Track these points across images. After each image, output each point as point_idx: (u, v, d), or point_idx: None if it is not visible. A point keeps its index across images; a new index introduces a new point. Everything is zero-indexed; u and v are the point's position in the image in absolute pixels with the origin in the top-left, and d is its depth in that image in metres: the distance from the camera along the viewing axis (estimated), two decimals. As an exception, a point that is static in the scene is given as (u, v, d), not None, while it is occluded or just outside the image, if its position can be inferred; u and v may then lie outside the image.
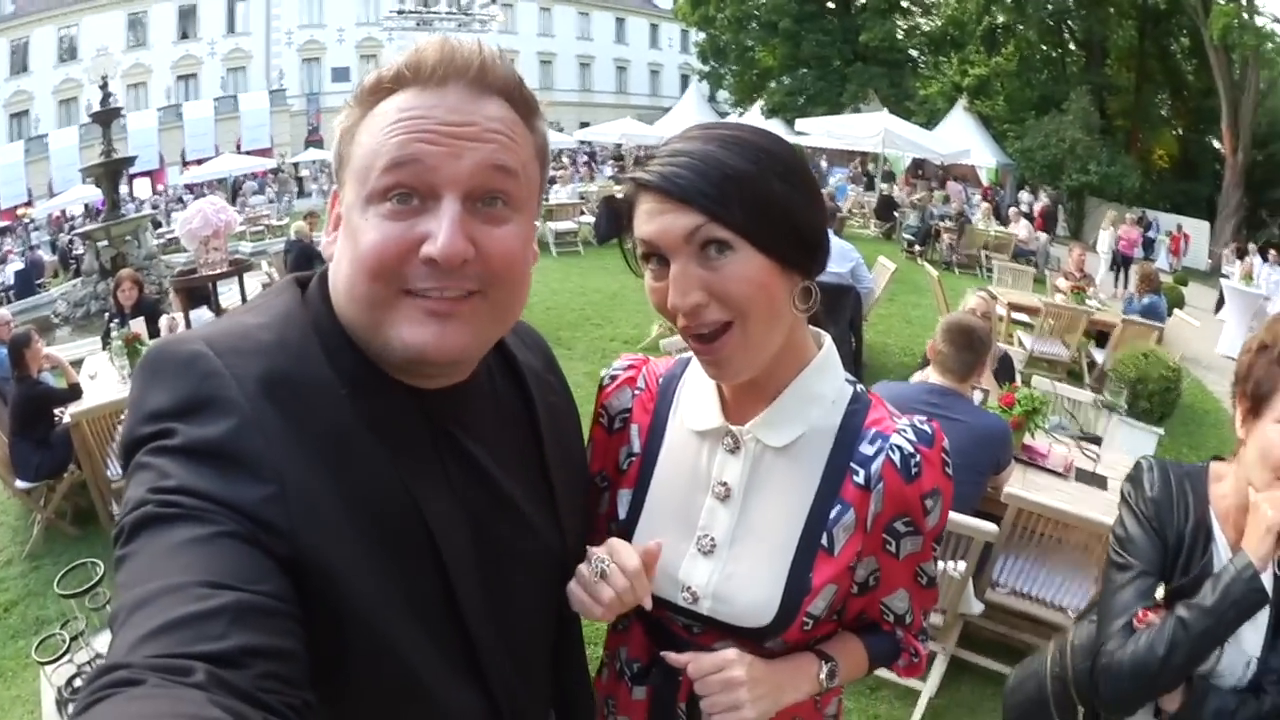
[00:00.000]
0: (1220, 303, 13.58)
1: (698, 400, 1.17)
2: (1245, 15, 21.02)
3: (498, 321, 0.90)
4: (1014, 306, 8.95)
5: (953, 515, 2.90)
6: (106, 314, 8.63)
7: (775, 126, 24.52)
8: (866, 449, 1.09)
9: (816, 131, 21.85)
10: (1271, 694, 1.50)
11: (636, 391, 1.25)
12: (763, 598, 1.09)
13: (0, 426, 5.00)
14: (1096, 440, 4.33)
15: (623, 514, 1.19)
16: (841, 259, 6.02)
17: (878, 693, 3.44)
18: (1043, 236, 16.97)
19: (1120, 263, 15.84)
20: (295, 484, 0.75)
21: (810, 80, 31.73)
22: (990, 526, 2.98)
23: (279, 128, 36.36)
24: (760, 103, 31.13)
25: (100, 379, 5.60)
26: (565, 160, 28.12)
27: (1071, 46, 29.25)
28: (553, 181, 15.94)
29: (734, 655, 1.08)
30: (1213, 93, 23.84)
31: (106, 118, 12.53)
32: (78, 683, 2.00)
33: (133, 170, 20.98)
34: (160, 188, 31.36)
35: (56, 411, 5.01)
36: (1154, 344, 7.37)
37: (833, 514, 1.09)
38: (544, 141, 0.94)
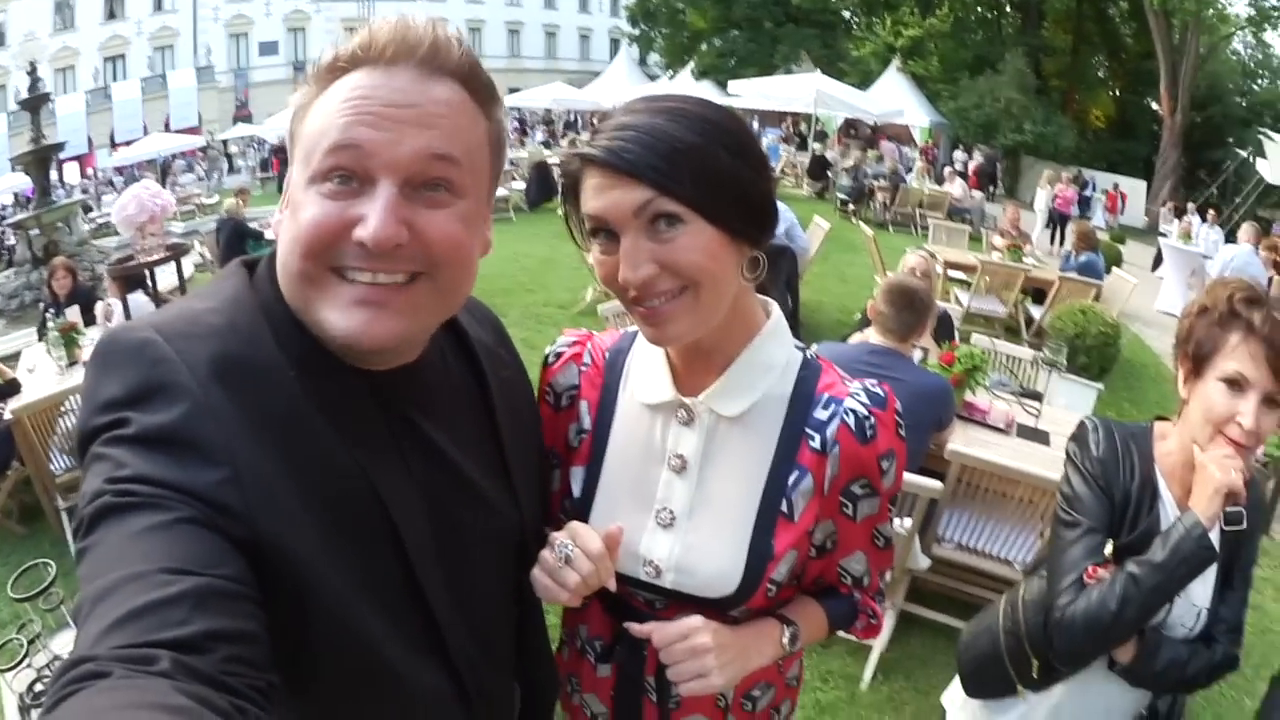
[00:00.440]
0: (1158, 260, 13.93)
1: (648, 373, 1.17)
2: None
3: (441, 306, 0.90)
4: (950, 264, 9.06)
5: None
6: (41, 304, 8.38)
7: (706, 89, 24.51)
8: (820, 414, 1.10)
9: (749, 93, 21.84)
10: (1223, 643, 1.58)
11: (583, 367, 1.24)
12: (726, 567, 1.11)
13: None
14: (1037, 396, 4.43)
15: (577, 491, 1.19)
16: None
17: (830, 649, 3.53)
18: (977, 195, 17.21)
19: (1056, 220, 16.15)
20: (249, 467, 0.75)
21: (741, 42, 31.56)
22: (935, 483, 3.05)
23: (207, 105, 35.38)
24: (691, 65, 30.96)
25: (39, 371, 5.44)
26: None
27: (1007, 8, 29.49)
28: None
29: (699, 622, 1.08)
30: (1151, 56, 24.14)
31: (35, 104, 12.09)
32: (39, 688, 1.97)
33: (62, 155, 20.28)
34: (90, 171, 30.32)
35: (-5, 407, 4.86)
36: (1092, 301, 7.55)
37: (791, 480, 1.10)
38: (500, 128, 0.93)
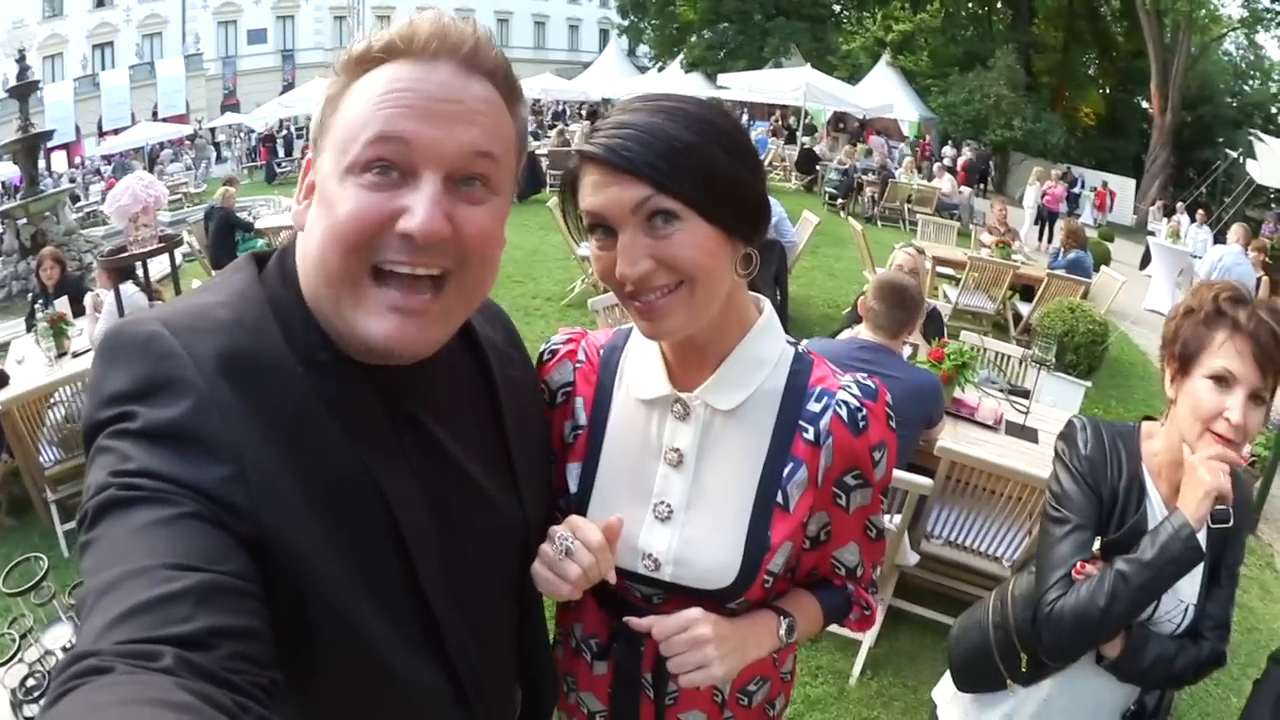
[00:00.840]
0: (1146, 258, 13.99)
1: (643, 369, 1.19)
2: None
3: (465, 304, 0.90)
4: (939, 260, 9.08)
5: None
6: (30, 294, 8.34)
7: (696, 81, 24.47)
8: (813, 406, 1.12)
9: (737, 86, 21.89)
10: (1210, 640, 1.60)
11: (578, 365, 1.25)
12: (724, 558, 1.12)
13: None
14: (1025, 394, 4.45)
15: (574, 487, 1.20)
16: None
17: (819, 644, 3.55)
18: (966, 190, 17.23)
19: (1045, 218, 16.21)
20: (254, 463, 0.75)
21: (731, 34, 31.55)
22: (924, 480, 3.07)
23: (195, 93, 35.15)
24: (680, 57, 30.90)
25: (28, 363, 5.42)
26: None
27: (998, 4, 29.53)
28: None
29: (699, 614, 1.09)
30: (1142, 54, 24.26)
31: (24, 92, 12.04)
32: (31, 682, 1.96)
33: (50, 144, 20.13)
34: (78, 160, 30.12)
35: (-17, 399, 4.84)
36: (1080, 299, 7.58)
37: (785, 472, 1.12)
38: (524, 128, 0.94)
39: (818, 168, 18.10)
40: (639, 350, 1.22)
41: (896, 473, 3.00)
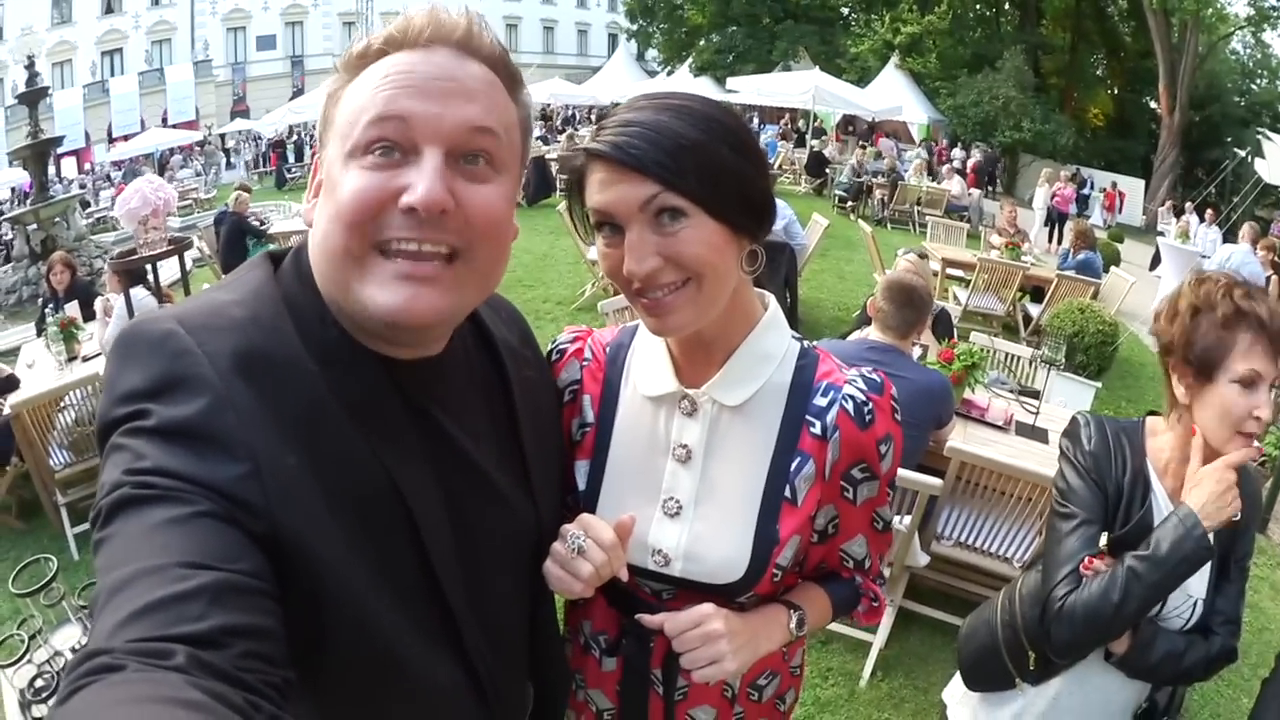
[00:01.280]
0: (1156, 259, 13.94)
1: (650, 366, 1.19)
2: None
3: (478, 286, 0.90)
4: (948, 262, 9.09)
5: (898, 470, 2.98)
6: (40, 299, 8.39)
7: (705, 85, 24.49)
8: (820, 401, 1.13)
9: (747, 90, 21.89)
10: (1221, 635, 1.59)
11: (584, 363, 1.26)
12: (733, 553, 1.12)
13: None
14: (1035, 394, 4.43)
15: (582, 485, 1.20)
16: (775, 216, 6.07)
17: (829, 645, 3.55)
18: (975, 192, 17.17)
19: (1055, 219, 16.16)
20: (269, 461, 0.75)
21: (740, 38, 31.48)
22: (934, 480, 3.06)
23: (204, 99, 35.39)
24: (689, 61, 31.03)
25: (38, 367, 5.45)
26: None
27: (1006, 6, 29.48)
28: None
29: (710, 609, 1.09)
30: (1150, 54, 24.15)
31: (33, 98, 12.13)
32: (39, 683, 1.97)
33: (60, 150, 20.27)
34: (87, 166, 30.33)
35: (-5, 403, 4.87)
36: (1090, 300, 7.55)
37: (793, 466, 1.12)
38: (527, 114, 0.95)
39: (827, 171, 18.09)
40: (645, 347, 1.22)
41: (906, 473, 3.01)
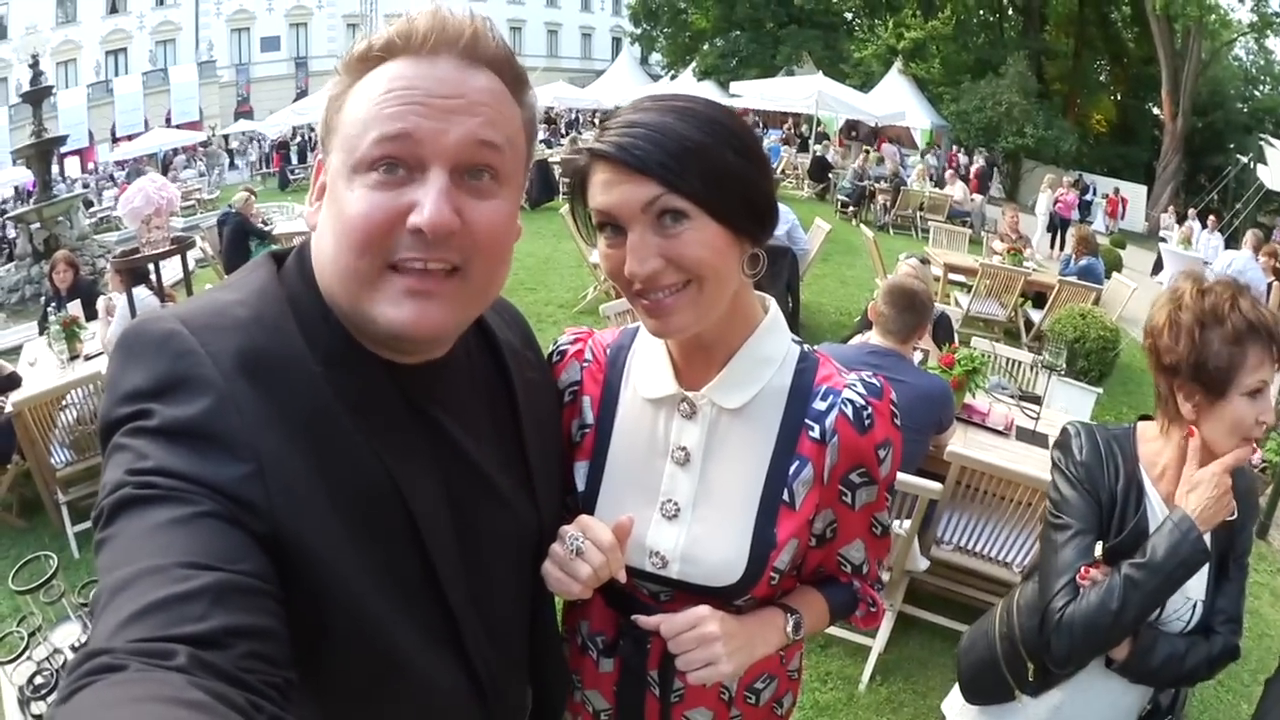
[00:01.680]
0: (1158, 265, 13.94)
1: (650, 368, 1.19)
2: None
3: (477, 298, 0.90)
4: (950, 267, 9.09)
5: (898, 474, 2.97)
6: (43, 298, 8.39)
7: (708, 89, 24.48)
8: (819, 405, 1.12)
9: (750, 94, 21.91)
10: (1223, 634, 1.59)
11: (585, 364, 1.26)
12: (731, 556, 1.12)
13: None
14: (1036, 400, 4.43)
15: (581, 486, 1.20)
16: (778, 221, 6.08)
17: (828, 650, 3.54)
18: (978, 198, 17.15)
19: (1058, 225, 16.15)
20: (272, 462, 0.75)
21: (743, 43, 31.47)
22: (934, 485, 3.06)
23: (208, 100, 35.40)
24: (693, 65, 31.02)
25: (40, 365, 5.45)
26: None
27: (1010, 12, 29.47)
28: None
29: (706, 611, 1.09)
30: (1153, 60, 24.10)
31: (37, 97, 12.13)
32: (39, 680, 1.97)
33: (63, 149, 20.31)
34: (91, 165, 30.36)
35: (-4, 400, 4.87)
36: (1092, 305, 7.54)
37: (791, 470, 1.12)
38: (532, 115, 0.94)
39: (830, 176, 18.08)
40: (645, 349, 1.22)
41: (906, 478, 3.01)
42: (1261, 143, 19.31)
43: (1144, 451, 1.66)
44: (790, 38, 30.30)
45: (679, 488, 1.16)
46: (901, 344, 3.35)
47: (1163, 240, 16.86)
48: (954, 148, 24.46)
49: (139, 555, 0.65)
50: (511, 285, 9.31)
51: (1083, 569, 1.57)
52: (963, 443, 3.53)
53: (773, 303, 1.20)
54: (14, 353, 5.84)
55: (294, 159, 24.11)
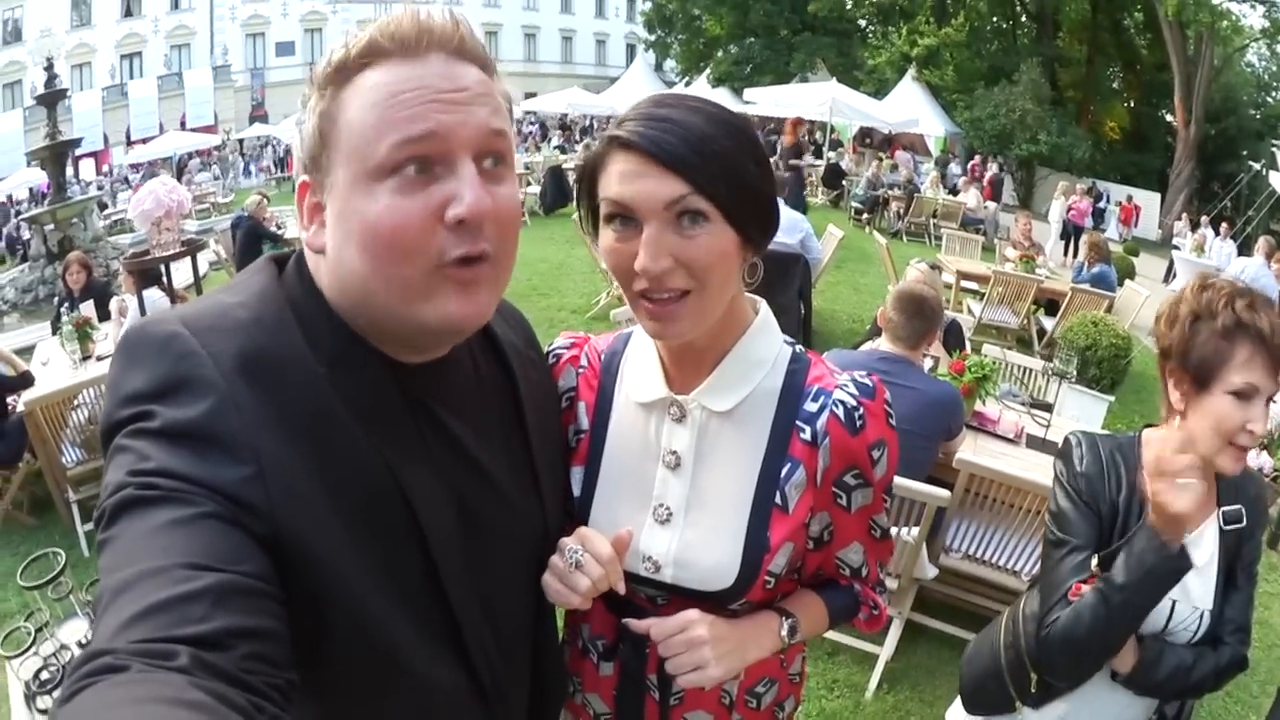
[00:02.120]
0: (1169, 272, 13.87)
1: (641, 372, 1.19)
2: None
3: (500, 284, 0.91)
4: (963, 275, 9.06)
5: (905, 481, 2.96)
6: (56, 298, 8.46)
7: (722, 95, 24.49)
8: (810, 406, 1.12)
9: (764, 101, 21.86)
10: (1231, 644, 1.56)
11: (580, 370, 1.26)
12: (723, 560, 1.12)
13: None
14: (1047, 408, 4.39)
15: (576, 491, 1.20)
16: (792, 229, 6.08)
17: (835, 657, 3.53)
18: (991, 205, 17.07)
19: (1071, 232, 16.08)
20: (273, 463, 0.75)
21: (758, 49, 31.54)
22: (942, 492, 3.04)
23: (223, 104, 35.61)
24: (707, 72, 31.18)
25: (52, 365, 5.48)
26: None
27: (1023, 18, 29.41)
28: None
29: (695, 615, 1.09)
30: (1166, 67, 24.05)
31: (52, 99, 12.21)
32: (45, 675, 1.99)
33: (78, 151, 20.48)
34: (106, 168, 30.58)
35: (9, 400, 4.90)
36: (1104, 313, 7.50)
37: (783, 472, 1.12)
38: (509, 103, 0.95)
39: (844, 183, 18.04)
40: (637, 353, 1.22)
41: (915, 485, 2.99)
42: (1274, 149, 19.20)
43: (1148, 459, 1.65)
44: (804, 44, 30.35)
45: (670, 492, 1.16)
46: (911, 350, 3.34)
47: (1176, 248, 16.76)
48: (976, 156, 24.30)
49: (141, 556, 0.65)
50: (525, 290, 9.41)
51: (1075, 585, 1.55)
52: (973, 450, 3.51)
53: (763, 304, 1.19)
54: (27, 352, 5.87)
55: (308, 163, 24.17)
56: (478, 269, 0.84)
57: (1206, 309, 1.50)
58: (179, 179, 21.76)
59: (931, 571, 3.39)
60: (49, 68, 12.30)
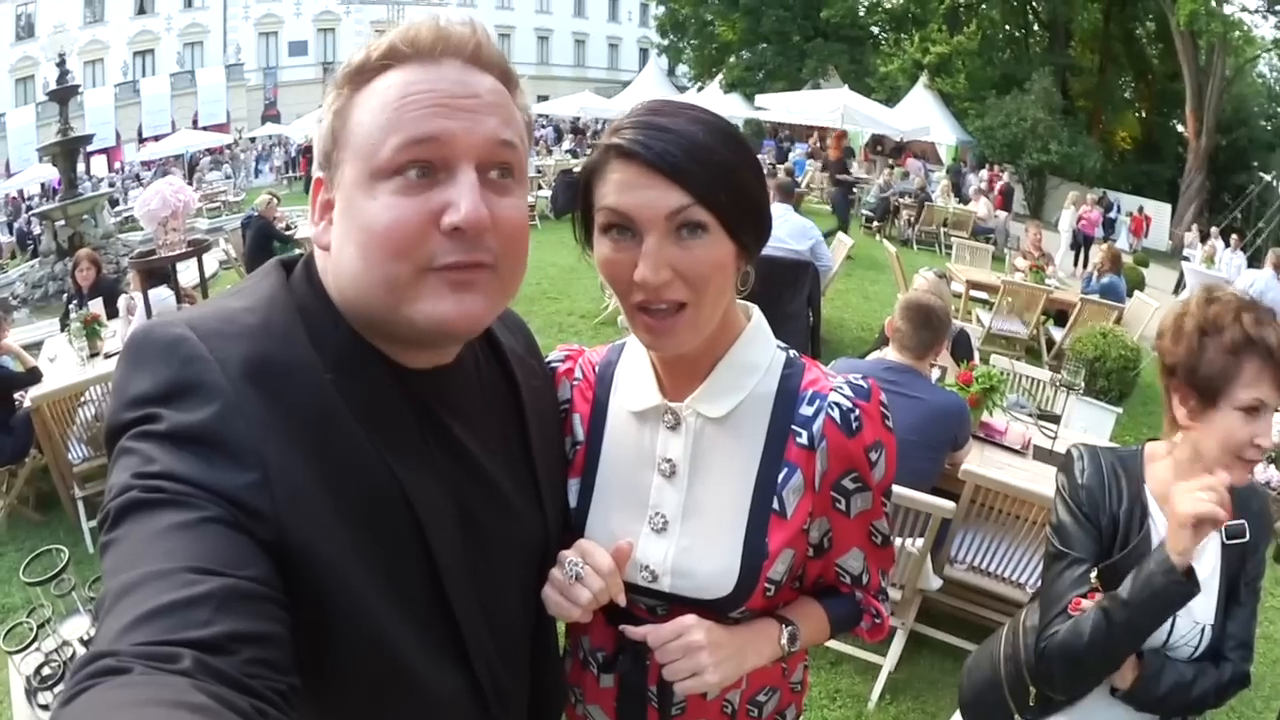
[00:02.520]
0: (1179, 284, 13.82)
1: (634, 381, 1.19)
2: (1213, 2, 20.96)
3: (504, 294, 0.91)
4: (973, 284, 9.04)
5: (911, 492, 2.95)
6: (65, 295, 8.49)
7: (734, 101, 24.43)
8: (806, 410, 1.11)
9: (776, 107, 21.87)
10: (1233, 660, 1.55)
11: (575, 382, 1.26)
12: (721, 567, 1.11)
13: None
14: (1055, 419, 4.38)
15: (573, 502, 1.20)
16: (802, 237, 6.07)
17: (839, 667, 3.52)
18: (1002, 215, 17.02)
19: (1081, 242, 16.05)
20: (279, 468, 0.75)
21: (770, 55, 31.48)
22: (948, 503, 3.02)
23: (236, 103, 35.82)
24: (719, 77, 31.09)
25: (60, 361, 5.51)
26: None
27: (1035, 27, 29.38)
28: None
29: (692, 620, 1.08)
30: (1177, 77, 23.99)
31: (64, 95, 12.33)
32: (46, 671, 1.99)
33: (90, 148, 20.60)
34: (117, 165, 30.76)
35: (16, 396, 4.93)
36: (1113, 324, 7.48)
37: (780, 477, 1.11)
38: (529, 118, 0.95)
39: (855, 190, 18.01)
40: (630, 363, 1.22)
41: (920, 495, 2.98)
42: (1284, 161, 19.14)
43: (1150, 472, 1.64)
44: (816, 51, 30.31)
45: (666, 500, 1.15)
46: (918, 360, 3.33)
47: (1186, 259, 16.70)
48: (993, 166, 24.20)
49: (145, 559, 0.65)
50: (534, 294, 9.42)
51: (1074, 599, 1.55)
52: (979, 461, 3.51)
53: (756, 310, 1.19)
54: (35, 348, 5.90)
55: (320, 163, 24.25)
56: (473, 272, 0.84)
57: (1213, 324, 1.49)
58: (190, 177, 21.90)
59: (936, 583, 3.38)
60: (61, 64, 12.42)
